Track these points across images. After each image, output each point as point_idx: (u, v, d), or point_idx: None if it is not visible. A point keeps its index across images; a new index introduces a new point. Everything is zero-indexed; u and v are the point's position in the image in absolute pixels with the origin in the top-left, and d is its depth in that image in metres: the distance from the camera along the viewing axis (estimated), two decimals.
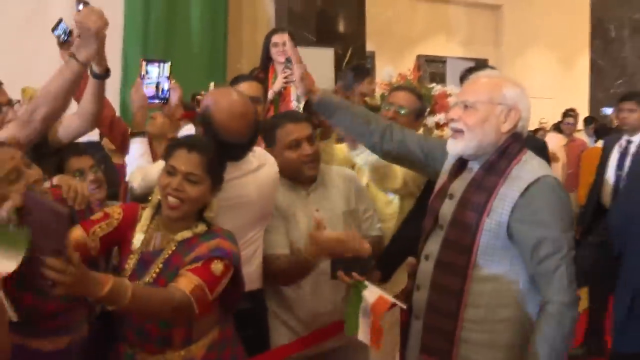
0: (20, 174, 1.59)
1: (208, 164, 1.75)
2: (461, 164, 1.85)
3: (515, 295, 1.72)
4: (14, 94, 2.55)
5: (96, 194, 2.09)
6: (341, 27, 5.02)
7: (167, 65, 2.27)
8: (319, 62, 3.84)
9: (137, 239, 1.76)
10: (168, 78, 2.27)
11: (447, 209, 1.80)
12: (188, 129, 2.35)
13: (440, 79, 6.81)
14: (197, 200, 1.75)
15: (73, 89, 1.98)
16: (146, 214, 1.80)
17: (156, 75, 2.27)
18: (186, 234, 1.75)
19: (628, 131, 4.27)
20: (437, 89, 4.50)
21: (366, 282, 1.89)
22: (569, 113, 6.05)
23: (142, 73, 2.25)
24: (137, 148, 2.17)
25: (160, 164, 1.87)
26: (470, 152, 1.80)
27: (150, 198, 1.84)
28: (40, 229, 1.52)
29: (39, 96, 1.98)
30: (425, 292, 1.79)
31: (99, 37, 1.88)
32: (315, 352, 2.12)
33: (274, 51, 3.14)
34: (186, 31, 4.21)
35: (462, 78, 3.09)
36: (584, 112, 6.65)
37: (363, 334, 1.87)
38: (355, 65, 4.69)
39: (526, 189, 1.70)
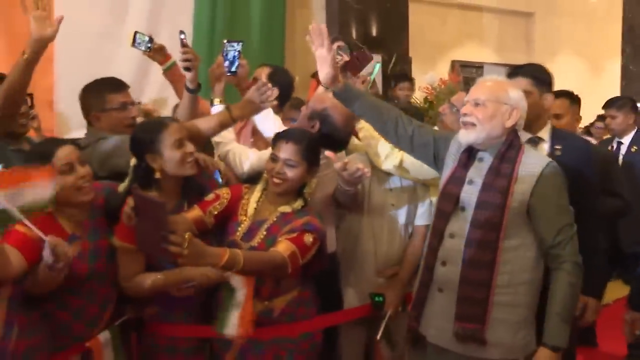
0: (72, 169, 1.99)
1: (303, 151, 2.16)
2: (469, 154, 2.14)
3: (531, 260, 2.07)
4: None
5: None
6: (386, 35, 5.31)
7: (241, 45, 2.67)
8: (367, 67, 4.17)
9: (251, 208, 2.18)
10: (239, 56, 2.66)
11: (469, 193, 2.09)
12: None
13: (473, 83, 7.07)
14: (296, 180, 2.17)
15: (191, 112, 2.48)
16: (258, 189, 2.22)
17: (232, 53, 2.66)
18: (286, 208, 2.18)
19: (617, 134, 4.55)
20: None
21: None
22: (601, 118, 6.28)
23: (224, 51, 2.66)
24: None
25: (268, 152, 2.28)
26: (480, 142, 2.11)
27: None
28: (148, 220, 1.85)
29: (196, 122, 2.42)
30: (454, 267, 2.06)
31: (255, 109, 2.41)
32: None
33: None
34: (247, 41, 4.52)
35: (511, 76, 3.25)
36: None
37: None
38: (398, 72, 5.01)
39: (540, 174, 2.06)
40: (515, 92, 2.14)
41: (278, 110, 2.82)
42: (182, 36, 2.53)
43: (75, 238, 2.07)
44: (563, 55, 8.51)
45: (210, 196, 2.21)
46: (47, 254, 1.76)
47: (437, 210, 2.17)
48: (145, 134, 2.17)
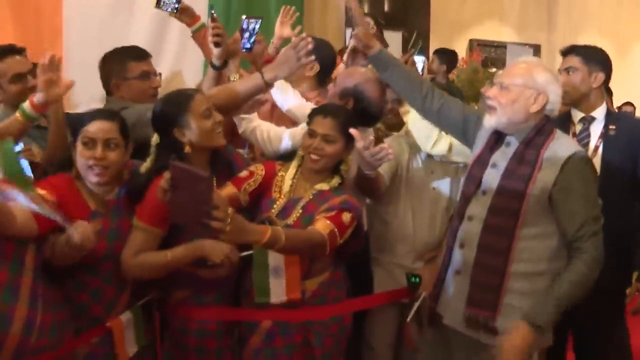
0: (210, 114, 2.06)
1: (341, 126, 2.12)
2: (498, 137, 2.10)
3: (550, 250, 2.01)
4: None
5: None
6: (407, 13, 5.19)
7: (259, 22, 2.59)
8: (388, 44, 4.01)
9: (286, 185, 2.09)
10: (257, 32, 2.58)
11: (491, 177, 2.05)
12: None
13: (492, 63, 6.90)
14: (334, 156, 2.15)
15: (251, 97, 2.30)
16: (292, 166, 2.14)
17: (251, 28, 2.59)
18: (323, 186, 2.14)
19: None
20: (499, 73, 4.66)
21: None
22: (628, 103, 6.13)
23: (242, 27, 2.58)
24: None
25: (299, 129, 2.27)
26: (502, 127, 2.06)
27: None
28: (188, 194, 1.76)
29: (231, 85, 2.30)
30: (470, 250, 2.06)
31: (292, 69, 2.21)
32: None
33: None
34: (265, 18, 4.46)
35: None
36: (638, 99, 6.67)
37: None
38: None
39: (565, 162, 1.97)
40: (544, 76, 2.04)
41: (317, 86, 2.67)
42: (213, 11, 2.50)
43: (98, 215, 2.03)
44: (587, 35, 8.26)
45: (244, 173, 2.16)
46: (71, 233, 1.77)
47: (461, 191, 2.18)
48: (171, 107, 2.06)
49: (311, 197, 2.13)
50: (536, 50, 8.05)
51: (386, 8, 5.30)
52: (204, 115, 2.04)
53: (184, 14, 2.69)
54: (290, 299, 2.08)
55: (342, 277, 2.24)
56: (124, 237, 2.04)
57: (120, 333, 2.07)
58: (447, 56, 5.19)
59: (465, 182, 2.16)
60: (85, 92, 3.03)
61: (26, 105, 2.04)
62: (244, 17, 2.62)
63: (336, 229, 2.00)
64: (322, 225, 2.00)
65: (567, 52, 2.67)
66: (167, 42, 4.04)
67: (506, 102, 2.03)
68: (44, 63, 1.95)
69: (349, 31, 4.01)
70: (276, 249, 1.91)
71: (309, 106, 2.42)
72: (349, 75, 2.41)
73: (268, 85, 2.20)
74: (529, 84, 2.02)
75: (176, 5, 2.59)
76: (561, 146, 2.02)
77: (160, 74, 2.64)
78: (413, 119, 2.44)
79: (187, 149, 2.04)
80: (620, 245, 2.48)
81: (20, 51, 2.43)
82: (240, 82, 2.29)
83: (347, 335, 2.25)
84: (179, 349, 2.17)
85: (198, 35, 2.75)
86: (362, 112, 2.32)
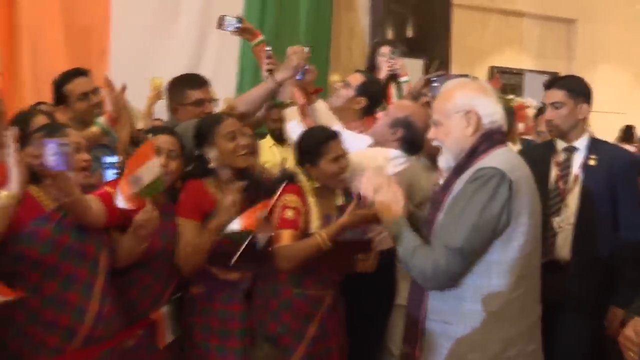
0: (235, 137, 2.35)
1: None
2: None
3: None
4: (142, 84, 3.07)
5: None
6: (428, 39, 5.39)
7: (307, 49, 2.79)
8: (410, 72, 4.26)
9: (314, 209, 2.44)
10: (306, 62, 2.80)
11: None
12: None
13: (512, 90, 7.07)
14: None
15: (266, 100, 2.70)
16: (308, 191, 2.44)
17: None
18: (339, 200, 2.47)
19: None
20: (516, 100, 4.87)
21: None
22: None
23: None
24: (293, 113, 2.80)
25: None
26: (452, 163, 1.88)
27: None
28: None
29: (239, 98, 2.63)
30: None
31: (296, 69, 2.63)
32: None
33: (379, 59, 3.71)
34: (294, 41, 4.69)
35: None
36: None
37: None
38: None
39: (466, 181, 1.78)
40: (463, 94, 1.86)
41: (362, 117, 2.99)
42: (269, 48, 2.87)
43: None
44: (606, 64, 8.41)
45: (291, 214, 2.31)
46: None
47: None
48: (204, 126, 2.39)
49: (338, 213, 2.40)
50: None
51: (409, 34, 5.51)
52: (228, 137, 2.33)
53: (246, 32, 3.05)
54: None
55: None
56: (171, 237, 2.29)
57: (162, 324, 2.27)
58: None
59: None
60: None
61: (102, 120, 2.44)
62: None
63: None
64: None
65: (550, 85, 2.68)
66: (203, 64, 4.36)
67: (443, 138, 1.88)
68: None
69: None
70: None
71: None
72: (401, 107, 2.67)
73: (278, 84, 2.62)
74: (453, 110, 1.85)
75: (237, 25, 2.90)
76: (479, 165, 1.80)
77: (217, 100, 2.91)
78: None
79: (212, 164, 2.35)
80: (605, 278, 2.53)
81: (84, 72, 2.77)
82: (255, 88, 2.69)
83: None
84: (200, 347, 2.34)
85: (257, 49, 3.10)
86: (409, 141, 2.59)
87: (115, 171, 2.34)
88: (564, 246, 2.58)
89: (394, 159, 2.62)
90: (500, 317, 1.78)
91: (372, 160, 2.54)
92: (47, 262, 1.93)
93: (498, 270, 1.77)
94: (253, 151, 2.46)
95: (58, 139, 1.78)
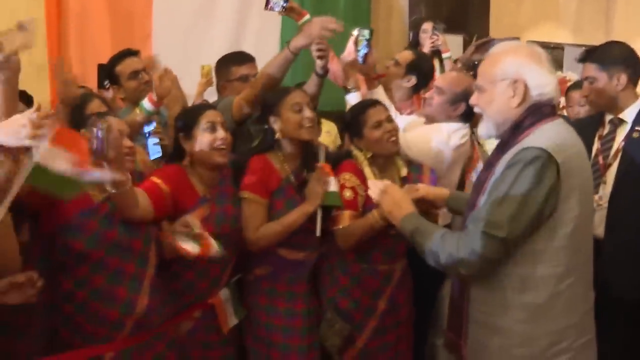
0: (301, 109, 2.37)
1: None
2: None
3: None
4: (191, 71, 3.16)
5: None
6: (468, 16, 5.33)
7: (369, 33, 2.76)
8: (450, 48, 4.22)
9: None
10: (369, 45, 2.75)
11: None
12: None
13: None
14: None
15: (286, 69, 2.63)
16: (365, 166, 2.43)
17: (363, 41, 2.78)
18: (404, 171, 2.49)
19: None
20: (556, 74, 4.80)
21: None
22: None
23: (356, 39, 2.76)
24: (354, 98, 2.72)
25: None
26: (493, 133, 1.78)
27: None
28: None
29: (263, 68, 2.62)
30: None
31: (313, 38, 2.53)
32: None
33: (422, 36, 3.73)
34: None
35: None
36: None
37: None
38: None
39: (508, 162, 1.65)
40: (512, 61, 1.71)
41: (411, 95, 3.02)
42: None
43: (206, 200, 2.26)
44: None
45: (349, 195, 2.35)
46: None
47: None
48: (271, 97, 2.42)
49: (401, 184, 2.42)
50: None
51: (445, 12, 5.45)
52: (294, 109, 2.33)
53: (292, 11, 3.01)
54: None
55: None
56: (228, 219, 2.28)
57: (221, 307, 2.29)
58: None
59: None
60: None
61: (145, 102, 2.41)
62: (357, 29, 2.80)
63: None
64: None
65: (582, 59, 2.55)
66: (245, 47, 4.37)
67: (485, 106, 1.77)
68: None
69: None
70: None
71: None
72: (456, 82, 2.64)
73: (293, 53, 2.54)
74: (499, 76, 1.72)
75: (284, 5, 2.91)
76: (525, 142, 1.67)
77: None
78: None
79: (278, 135, 2.34)
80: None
81: (135, 53, 2.85)
82: (272, 60, 2.62)
83: None
84: (263, 344, 2.36)
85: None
86: (470, 113, 2.54)
87: (156, 141, 2.39)
88: (599, 225, 2.42)
89: (457, 131, 2.61)
90: (548, 309, 1.66)
91: (432, 139, 2.57)
92: (94, 256, 1.91)
93: (543, 259, 1.65)
94: (316, 125, 2.46)
95: (98, 124, 1.76)
